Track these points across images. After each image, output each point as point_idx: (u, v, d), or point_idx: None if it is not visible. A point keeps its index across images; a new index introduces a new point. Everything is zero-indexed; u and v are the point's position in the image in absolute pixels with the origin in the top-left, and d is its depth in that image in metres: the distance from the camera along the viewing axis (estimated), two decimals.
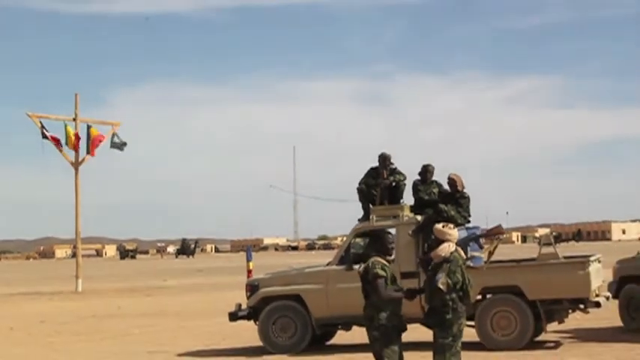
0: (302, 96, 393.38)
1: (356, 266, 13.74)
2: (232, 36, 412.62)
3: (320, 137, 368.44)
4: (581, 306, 14.14)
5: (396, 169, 15.51)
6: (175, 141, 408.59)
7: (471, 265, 13.20)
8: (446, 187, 14.99)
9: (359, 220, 15.31)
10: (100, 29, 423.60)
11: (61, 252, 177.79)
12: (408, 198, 15.39)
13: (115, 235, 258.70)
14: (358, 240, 15.05)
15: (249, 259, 25.60)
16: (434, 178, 15.30)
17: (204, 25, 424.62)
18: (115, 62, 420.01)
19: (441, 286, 8.71)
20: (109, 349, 16.86)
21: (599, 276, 14.60)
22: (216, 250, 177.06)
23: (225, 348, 16.16)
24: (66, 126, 39.28)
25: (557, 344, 14.52)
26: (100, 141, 39.71)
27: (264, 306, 15.18)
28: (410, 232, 14.52)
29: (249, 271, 24.30)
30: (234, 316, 15.68)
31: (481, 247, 14.72)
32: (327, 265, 15.31)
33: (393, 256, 9.03)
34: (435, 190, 15.11)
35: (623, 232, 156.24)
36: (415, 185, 15.26)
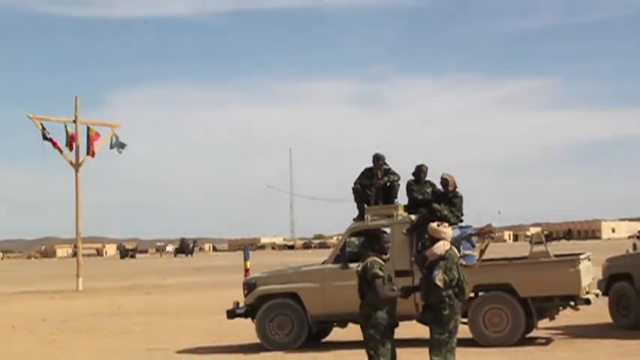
0: (300, 97, 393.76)
1: (351, 265, 13.79)
2: (231, 38, 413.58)
3: (317, 138, 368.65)
4: (572, 303, 14.15)
5: (390, 169, 15.51)
6: (174, 142, 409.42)
7: (464, 263, 13.20)
8: (439, 187, 15.01)
9: (354, 219, 15.31)
10: (100, 32, 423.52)
11: (62, 251, 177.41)
12: (402, 198, 15.43)
13: (115, 234, 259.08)
14: (353, 239, 15.04)
15: (246, 258, 25.59)
16: (427, 178, 15.33)
17: (202, 28, 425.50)
18: (115, 64, 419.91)
19: (438, 283, 8.72)
20: (110, 346, 16.84)
21: (589, 274, 14.61)
22: (214, 250, 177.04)
23: (223, 345, 16.15)
24: (66, 127, 39.25)
25: (548, 341, 14.54)
26: (95, 140, 39.62)
27: (261, 304, 15.19)
28: (404, 231, 14.53)
29: (247, 270, 24.29)
30: (232, 314, 15.68)
31: (473, 246, 14.72)
32: (323, 263, 15.30)
33: (388, 255, 9.04)
34: (429, 190, 15.12)
35: (613, 230, 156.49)
36: (409, 185, 15.27)
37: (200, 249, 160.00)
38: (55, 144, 38.92)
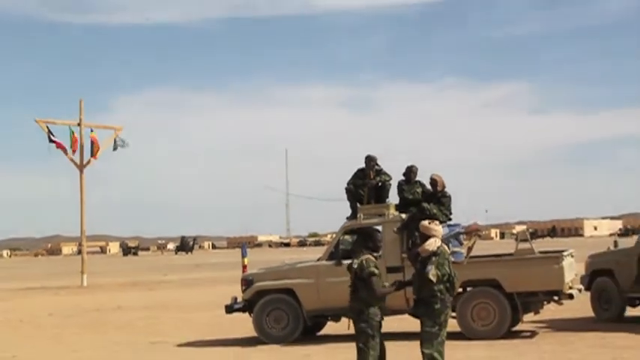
0: (295, 101, 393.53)
1: (345, 261, 13.79)
2: (228, 46, 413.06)
3: (311, 140, 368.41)
4: (556, 298, 14.19)
5: (381, 170, 15.53)
6: (175, 144, 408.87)
7: (453, 260, 13.21)
8: (429, 187, 15.03)
9: (347, 218, 15.32)
10: (102, 38, 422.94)
11: (67, 249, 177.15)
12: (393, 197, 15.45)
13: (118, 232, 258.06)
14: (347, 237, 15.05)
15: (244, 255, 25.64)
16: (417, 178, 15.34)
17: (200, 36, 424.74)
18: (118, 70, 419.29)
19: (432, 278, 8.73)
20: (113, 339, 16.83)
21: (572, 270, 14.65)
22: (214, 247, 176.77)
23: (222, 338, 16.15)
24: (71, 130, 39.19)
25: (533, 334, 14.56)
26: (94, 142, 39.56)
27: (258, 299, 15.19)
28: (395, 229, 14.54)
29: (244, 267, 24.34)
30: (230, 309, 15.69)
31: (461, 244, 14.75)
32: (318, 260, 15.33)
33: (380, 252, 9.05)
34: (419, 190, 15.14)
35: (595, 228, 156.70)
36: (400, 185, 15.29)
37: (200, 247, 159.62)
38: (60, 146, 38.83)
